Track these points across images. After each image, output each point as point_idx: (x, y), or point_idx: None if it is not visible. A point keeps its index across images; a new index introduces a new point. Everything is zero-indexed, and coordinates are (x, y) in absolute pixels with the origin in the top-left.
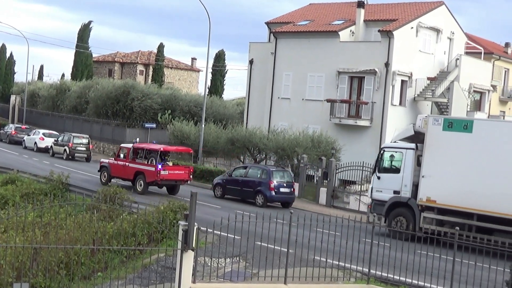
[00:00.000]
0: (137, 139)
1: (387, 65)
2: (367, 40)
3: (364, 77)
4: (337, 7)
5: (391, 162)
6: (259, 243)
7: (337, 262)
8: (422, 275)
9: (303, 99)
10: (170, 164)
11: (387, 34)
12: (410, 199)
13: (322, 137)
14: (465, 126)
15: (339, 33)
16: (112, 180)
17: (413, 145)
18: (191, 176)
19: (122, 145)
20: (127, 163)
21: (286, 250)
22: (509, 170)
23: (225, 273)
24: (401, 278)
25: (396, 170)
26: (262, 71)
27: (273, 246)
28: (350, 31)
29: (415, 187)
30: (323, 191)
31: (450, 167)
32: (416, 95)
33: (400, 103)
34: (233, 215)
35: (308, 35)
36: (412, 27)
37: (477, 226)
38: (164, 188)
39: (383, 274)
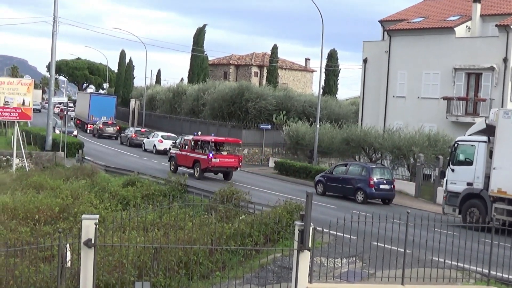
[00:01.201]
0: (199, 132)
1: (505, 60)
2: (484, 36)
3: (481, 73)
4: (452, 2)
5: (465, 155)
6: (375, 243)
7: (456, 263)
8: None
9: (418, 97)
10: (225, 153)
11: (505, 29)
12: (483, 190)
13: (439, 136)
14: None
15: (455, 29)
16: (178, 168)
17: (485, 138)
18: (240, 164)
19: (185, 137)
20: (188, 153)
21: (403, 250)
22: None
23: (341, 273)
24: None
25: (469, 163)
26: (376, 69)
27: (389, 247)
28: (466, 26)
29: (487, 179)
30: (440, 191)
31: None
32: None
33: None
34: (349, 215)
35: (422, 32)
36: None
37: None
38: (220, 175)
39: (504, 275)
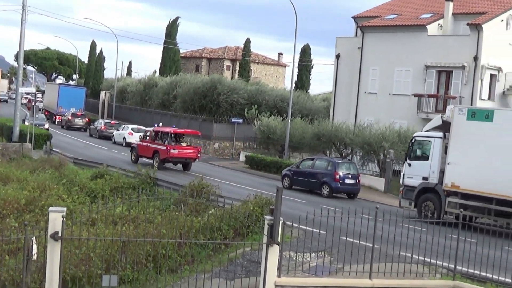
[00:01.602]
0: (160, 124)
1: (476, 59)
2: (455, 34)
3: (452, 71)
4: (425, 0)
5: (421, 150)
6: (344, 238)
7: (423, 258)
8: (510, 271)
9: (390, 94)
10: (184, 144)
11: (476, 28)
12: (437, 184)
13: (409, 132)
14: (487, 115)
15: (427, 26)
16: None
17: (441, 134)
18: (199, 155)
19: (147, 128)
20: (148, 144)
21: (371, 245)
22: None
23: (310, 268)
24: (488, 275)
25: (425, 158)
26: (348, 65)
27: (358, 241)
28: (438, 24)
29: (442, 173)
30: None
31: (472, 154)
32: (505, 90)
33: (489, 98)
34: (318, 209)
35: (395, 29)
36: (502, 20)
37: (495, 210)
38: (180, 165)
39: (469, 270)
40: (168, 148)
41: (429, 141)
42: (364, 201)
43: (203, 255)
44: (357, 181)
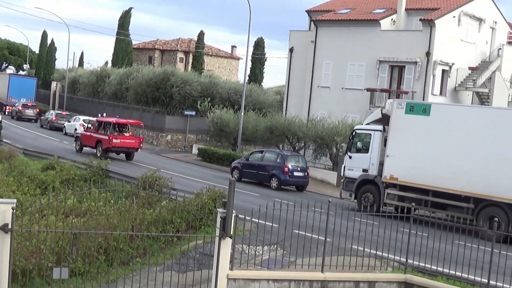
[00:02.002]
0: (104, 114)
1: (428, 54)
2: (408, 29)
3: (404, 66)
4: None
5: (362, 143)
6: (297, 231)
7: (375, 252)
8: (460, 265)
9: (343, 88)
10: (127, 134)
11: (429, 23)
12: (377, 176)
13: None
14: (424, 109)
15: (380, 21)
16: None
17: (380, 127)
18: (141, 145)
19: (90, 118)
20: (92, 134)
21: (323, 238)
22: (461, 150)
23: (262, 261)
24: (438, 268)
25: (365, 150)
26: (302, 59)
27: (310, 235)
28: (391, 19)
29: (381, 165)
30: None
31: (410, 147)
32: (457, 85)
33: (441, 93)
34: (271, 203)
35: (348, 23)
36: (454, 16)
37: (432, 202)
38: (123, 155)
39: (420, 264)
40: (111, 137)
41: (369, 134)
42: (316, 194)
43: (155, 248)
44: (306, 174)
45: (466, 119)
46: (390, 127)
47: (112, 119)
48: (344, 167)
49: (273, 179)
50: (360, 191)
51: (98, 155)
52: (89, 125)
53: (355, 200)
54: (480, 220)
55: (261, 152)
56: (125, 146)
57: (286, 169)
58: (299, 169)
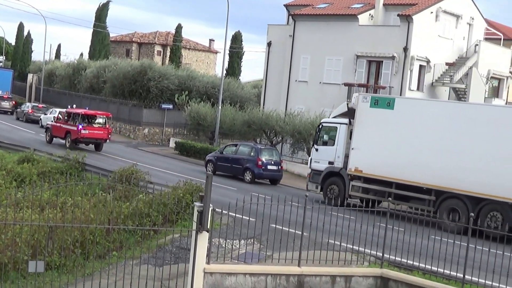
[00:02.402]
0: (74, 105)
1: (405, 49)
2: (386, 24)
3: (382, 61)
4: None
5: (328, 136)
6: (274, 225)
7: (351, 246)
8: (436, 260)
9: (320, 83)
10: (96, 126)
11: (406, 19)
12: (342, 169)
13: None
14: (388, 103)
15: (358, 16)
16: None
17: (346, 121)
18: (110, 136)
19: (61, 110)
20: (61, 125)
21: (300, 233)
22: (423, 143)
23: (239, 255)
24: (414, 263)
25: (331, 143)
26: (280, 53)
27: (287, 229)
28: (369, 15)
29: (347, 158)
30: None
31: (374, 140)
32: (434, 81)
33: (418, 88)
34: (248, 197)
35: (326, 18)
36: (431, 12)
37: (395, 194)
38: (92, 146)
39: (396, 258)
40: (79, 128)
41: (335, 127)
42: (291, 188)
43: (132, 241)
44: (280, 167)
45: (428, 113)
46: (356, 121)
47: (81, 111)
48: (311, 159)
49: (247, 172)
50: (326, 183)
51: (67, 146)
52: (59, 116)
53: (321, 192)
54: (441, 212)
55: (235, 145)
56: (93, 137)
57: (260, 162)
58: (272, 162)
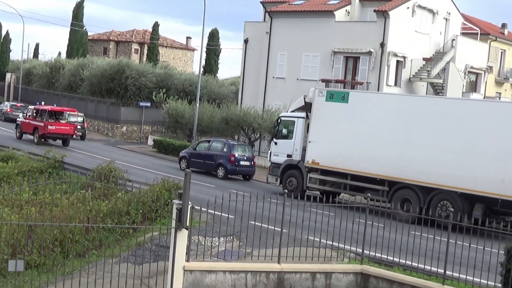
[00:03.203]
0: (42, 102)
1: (382, 45)
2: (362, 20)
3: (359, 57)
4: None
5: (286, 130)
6: (253, 222)
7: (331, 242)
8: (416, 256)
9: (297, 79)
10: (63, 122)
11: (383, 14)
12: (300, 161)
13: None
14: (343, 97)
15: (335, 13)
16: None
17: (303, 114)
18: (76, 132)
19: (30, 106)
20: (30, 121)
21: (280, 229)
22: (376, 135)
23: (218, 252)
24: (395, 259)
25: (290, 136)
26: (257, 50)
27: (267, 226)
28: (346, 11)
29: (304, 151)
30: None
31: (330, 133)
32: (411, 76)
33: (395, 84)
34: (227, 194)
35: (303, 14)
36: (408, 7)
37: (351, 185)
38: (60, 141)
39: (376, 254)
40: (46, 124)
41: (293, 121)
42: (264, 184)
43: (111, 240)
44: (252, 163)
45: (381, 106)
46: (312, 114)
47: (48, 107)
48: (270, 153)
49: (220, 168)
50: (285, 176)
51: (35, 141)
52: (28, 113)
53: (281, 185)
54: (395, 202)
55: (208, 141)
56: (60, 132)
57: (232, 158)
58: (245, 158)
